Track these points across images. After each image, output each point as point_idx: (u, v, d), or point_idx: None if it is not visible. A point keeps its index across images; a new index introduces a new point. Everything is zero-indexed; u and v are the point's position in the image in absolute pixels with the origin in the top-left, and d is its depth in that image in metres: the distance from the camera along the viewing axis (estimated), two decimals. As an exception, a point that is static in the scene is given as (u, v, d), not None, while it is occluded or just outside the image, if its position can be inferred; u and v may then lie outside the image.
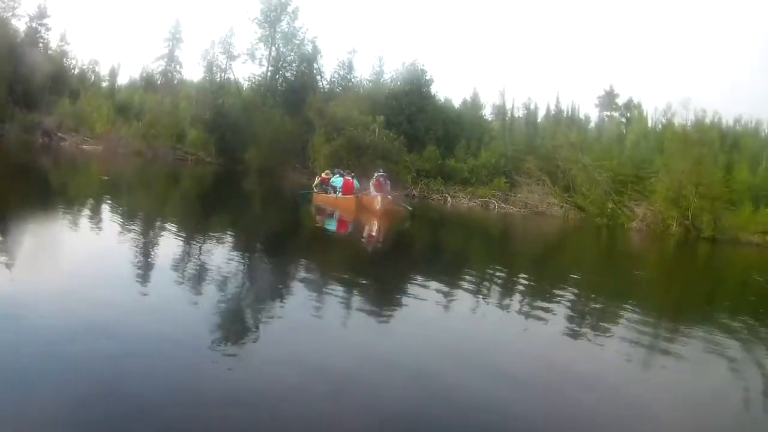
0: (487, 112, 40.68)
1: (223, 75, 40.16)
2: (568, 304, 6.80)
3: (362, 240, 11.49)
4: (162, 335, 3.72)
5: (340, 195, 15.62)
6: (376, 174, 15.88)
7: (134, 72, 61.29)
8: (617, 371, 4.42)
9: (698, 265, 17.35)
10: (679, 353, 5.05)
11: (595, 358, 4.76)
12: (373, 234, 12.22)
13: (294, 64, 37.70)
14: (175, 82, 43.31)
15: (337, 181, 16.08)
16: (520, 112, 39.39)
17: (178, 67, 43.85)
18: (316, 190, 17.20)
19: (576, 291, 7.82)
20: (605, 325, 6.02)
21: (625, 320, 6.14)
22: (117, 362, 3.15)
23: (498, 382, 3.69)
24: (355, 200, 14.93)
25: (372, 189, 15.27)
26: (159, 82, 43.79)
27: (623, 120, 41.12)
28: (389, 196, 15.32)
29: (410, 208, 17.42)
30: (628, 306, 7.07)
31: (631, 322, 6.01)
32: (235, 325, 4.25)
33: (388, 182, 16.09)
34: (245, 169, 33.79)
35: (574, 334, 5.38)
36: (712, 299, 9.62)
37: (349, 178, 16.01)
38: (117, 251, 6.33)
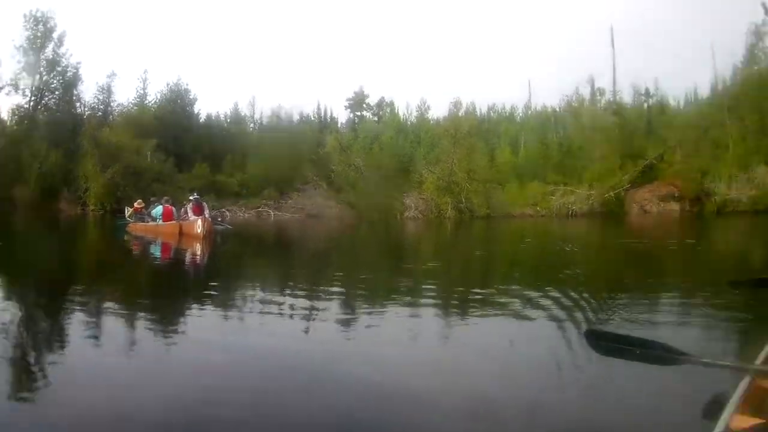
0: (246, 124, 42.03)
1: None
2: (338, 298, 7.00)
3: (184, 263, 11.31)
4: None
5: (160, 222, 15.98)
6: (191, 198, 16.11)
7: None
8: (430, 351, 4.56)
9: (476, 240, 19.03)
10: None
11: (390, 339, 4.82)
12: (197, 256, 12.25)
13: (57, 93, 36.20)
14: None
15: (157, 210, 16.36)
16: (271, 120, 41.01)
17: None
18: (132, 220, 17.67)
19: (346, 285, 7.93)
20: (395, 309, 6.18)
21: (425, 300, 6.62)
22: None
23: (279, 382, 3.71)
24: (178, 226, 15.21)
25: (190, 214, 15.41)
26: None
27: (375, 118, 44.31)
28: (209, 219, 15.53)
29: (230, 227, 18.05)
30: (421, 288, 7.55)
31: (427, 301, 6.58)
32: (19, 378, 3.78)
33: (204, 204, 16.19)
34: (12, 206, 31.55)
35: (353, 321, 5.66)
36: (491, 266, 11.03)
37: (168, 205, 16.31)
38: None
